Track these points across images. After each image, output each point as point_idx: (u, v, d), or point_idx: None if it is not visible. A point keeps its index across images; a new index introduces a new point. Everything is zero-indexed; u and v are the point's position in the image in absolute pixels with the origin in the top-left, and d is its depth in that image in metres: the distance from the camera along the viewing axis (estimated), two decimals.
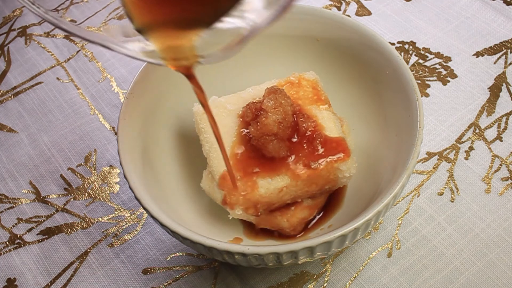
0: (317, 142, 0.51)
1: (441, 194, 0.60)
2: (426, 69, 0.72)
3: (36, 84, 0.80)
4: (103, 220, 0.64)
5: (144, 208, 0.48)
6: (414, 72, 0.71)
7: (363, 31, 0.58)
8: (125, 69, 0.79)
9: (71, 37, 0.85)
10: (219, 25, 0.42)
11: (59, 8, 0.90)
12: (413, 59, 0.73)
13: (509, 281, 0.54)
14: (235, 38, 0.39)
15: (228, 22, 0.41)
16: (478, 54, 0.73)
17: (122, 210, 0.64)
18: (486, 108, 0.67)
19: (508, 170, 0.61)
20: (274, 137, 0.49)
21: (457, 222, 0.58)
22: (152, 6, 0.41)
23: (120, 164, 0.51)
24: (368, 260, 0.57)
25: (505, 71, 0.70)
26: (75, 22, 0.87)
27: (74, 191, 0.67)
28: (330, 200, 0.58)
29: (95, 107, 0.75)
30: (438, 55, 0.73)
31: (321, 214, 0.57)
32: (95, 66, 0.80)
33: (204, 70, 0.63)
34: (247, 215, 0.51)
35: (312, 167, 0.50)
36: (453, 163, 0.63)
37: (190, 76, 0.45)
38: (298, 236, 0.56)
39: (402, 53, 0.74)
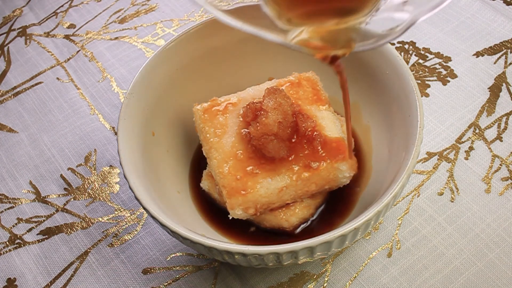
0: (317, 142, 0.51)
1: (441, 194, 0.60)
2: (426, 69, 0.72)
3: (36, 84, 0.80)
4: (103, 220, 0.64)
5: (144, 208, 0.48)
6: (414, 72, 0.71)
7: None
8: (125, 69, 0.79)
9: (71, 37, 0.85)
10: (377, 14, 0.43)
11: (58, 11, 0.90)
12: (413, 59, 0.73)
13: (509, 281, 0.54)
14: (394, 28, 0.40)
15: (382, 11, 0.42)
16: (478, 54, 0.73)
17: (122, 210, 0.64)
18: (486, 108, 0.67)
19: (508, 170, 0.61)
20: (274, 137, 0.49)
21: (457, 222, 0.58)
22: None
23: (120, 164, 0.51)
24: (368, 260, 0.57)
25: (505, 71, 0.70)
26: (75, 26, 0.87)
27: (74, 191, 0.67)
28: (331, 200, 0.58)
29: (95, 107, 0.75)
30: (438, 55, 0.73)
31: (321, 209, 0.57)
32: (95, 66, 0.80)
33: (204, 70, 0.64)
34: (247, 215, 0.51)
35: (312, 167, 0.50)
36: (453, 163, 0.63)
37: (336, 65, 0.45)
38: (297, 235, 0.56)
39: (402, 53, 0.74)
